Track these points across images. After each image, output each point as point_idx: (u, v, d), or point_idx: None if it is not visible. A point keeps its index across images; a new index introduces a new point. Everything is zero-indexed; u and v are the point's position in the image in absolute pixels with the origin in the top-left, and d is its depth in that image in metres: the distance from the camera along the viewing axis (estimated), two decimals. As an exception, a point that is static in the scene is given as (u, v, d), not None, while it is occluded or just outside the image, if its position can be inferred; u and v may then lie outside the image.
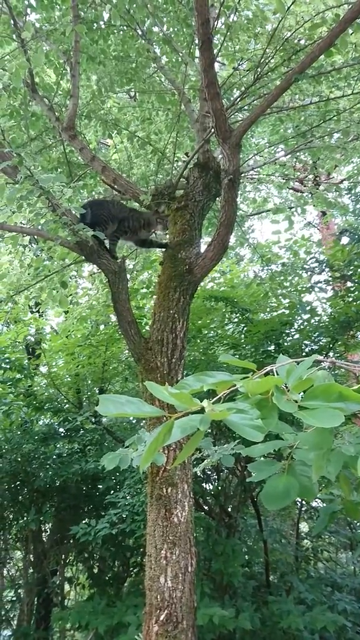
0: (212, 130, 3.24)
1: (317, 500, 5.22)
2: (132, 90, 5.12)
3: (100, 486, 5.33)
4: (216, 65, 3.51)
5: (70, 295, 5.57)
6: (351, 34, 3.17)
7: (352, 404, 1.08)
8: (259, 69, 3.53)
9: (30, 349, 6.90)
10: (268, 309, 5.63)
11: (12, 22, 3.41)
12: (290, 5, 3.15)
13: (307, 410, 1.06)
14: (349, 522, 5.92)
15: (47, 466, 5.34)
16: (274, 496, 1.26)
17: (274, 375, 1.16)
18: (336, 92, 3.94)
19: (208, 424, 1.06)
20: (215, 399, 1.10)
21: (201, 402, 1.04)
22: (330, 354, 5.07)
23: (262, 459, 1.76)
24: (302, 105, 4.03)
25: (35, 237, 3.77)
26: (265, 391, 1.12)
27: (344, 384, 1.24)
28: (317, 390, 1.10)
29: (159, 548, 2.77)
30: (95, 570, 5.53)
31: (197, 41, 2.95)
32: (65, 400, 6.18)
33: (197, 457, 2.46)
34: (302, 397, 1.09)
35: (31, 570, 5.79)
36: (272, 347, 4.94)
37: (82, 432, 5.72)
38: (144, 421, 5.11)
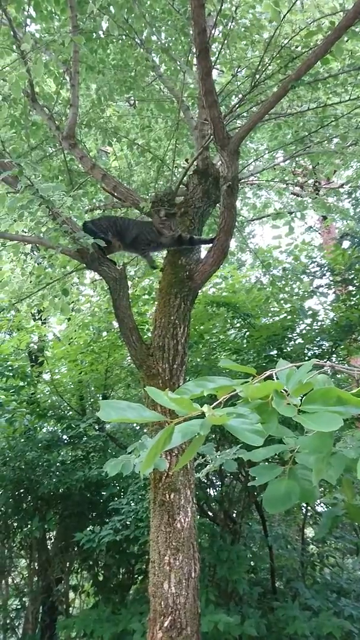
0: (211, 137, 3.26)
1: (322, 504, 5.21)
2: (132, 98, 5.16)
3: (104, 493, 5.33)
4: (214, 72, 3.54)
5: (72, 302, 5.59)
6: (346, 41, 3.20)
7: (351, 407, 1.09)
8: (256, 76, 3.56)
9: (33, 357, 6.92)
10: (270, 314, 5.64)
11: (12, 33, 3.46)
12: (286, 14, 3.19)
13: (307, 415, 1.06)
14: (355, 527, 5.89)
15: (51, 473, 5.34)
16: (275, 500, 1.27)
17: (273, 379, 1.17)
18: (334, 98, 3.96)
19: (208, 429, 1.07)
20: (215, 403, 1.11)
21: (202, 407, 1.05)
22: (333, 358, 5.07)
23: (264, 463, 1.76)
24: (300, 111, 4.05)
25: (37, 245, 3.80)
26: (265, 396, 1.13)
27: (346, 387, 1.25)
28: (316, 395, 1.10)
29: (163, 554, 2.77)
30: (100, 578, 5.51)
31: (194, 50, 2.98)
32: (68, 407, 6.19)
33: (199, 463, 2.47)
34: (301, 401, 1.10)
35: (36, 579, 5.78)
36: (275, 352, 4.94)
37: (85, 439, 5.72)
38: (147, 428, 5.12)
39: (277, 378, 1.19)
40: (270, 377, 1.19)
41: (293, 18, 3.50)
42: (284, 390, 1.13)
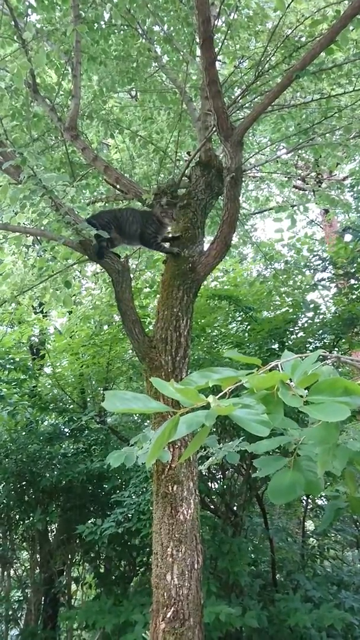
0: (214, 128, 3.24)
1: (322, 498, 5.22)
2: (134, 89, 5.12)
3: (106, 485, 5.34)
4: (217, 63, 3.50)
5: (74, 295, 5.58)
6: (352, 30, 3.17)
7: (357, 398, 1.08)
8: (259, 67, 3.53)
9: (35, 350, 6.92)
10: (272, 307, 5.63)
11: (13, 23, 3.43)
12: (291, 3, 3.15)
13: (313, 405, 1.06)
14: (355, 520, 5.91)
15: (53, 466, 5.36)
16: (280, 491, 1.26)
17: (279, 370, 1.16)
18: (337, 89, 3.93)
19: (214, 420, 1.06)
20: (220, 394, 1.10)
21: (206, 398, 1.04)
22: (335, 351, 5.07)
23: (267, 454, 1.75)
24: (303, 102, 4.02)
25: (39, 237, 3.78)
26: (270, 386, 1.12)
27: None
28: (322, 385, 1.09)
29: (165, 546, 2.78)
30: (102, 570, 5.54)
31: (197, 40, 2.95)
32: (69, 401, 6.20)
33: (201, 455, 2.47)
34: (307, 393, 1.09)
35: (38, 570, 5.81)
36: (276, 346, 4.94)
37: (87, 431, 5.73)
38: (148, 420, 5.12)
39: (282, 369, 1.18)
40: (275, 368, 1.19)
41: (297, 7, 3.46)
42: (289, 381, 1.13)
